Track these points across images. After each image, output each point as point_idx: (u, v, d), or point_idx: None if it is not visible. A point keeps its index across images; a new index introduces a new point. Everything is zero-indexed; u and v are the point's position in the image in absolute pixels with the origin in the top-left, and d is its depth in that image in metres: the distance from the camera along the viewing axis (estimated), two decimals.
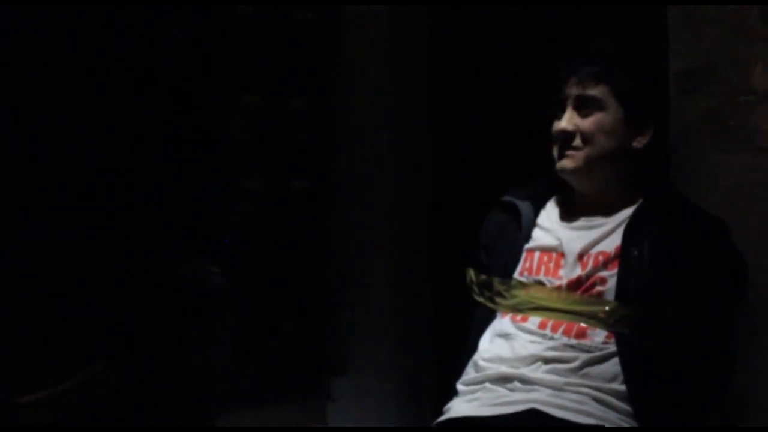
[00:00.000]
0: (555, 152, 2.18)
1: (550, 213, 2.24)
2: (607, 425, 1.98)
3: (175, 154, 3.10)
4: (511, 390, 2.05)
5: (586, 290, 2.09)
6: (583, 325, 2.06)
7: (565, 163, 2.15)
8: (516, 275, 2.19)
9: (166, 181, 2.87)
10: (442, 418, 2.11)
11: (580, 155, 2.14)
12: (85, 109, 2.87)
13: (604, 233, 2.13)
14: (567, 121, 2.15)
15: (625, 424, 1.99)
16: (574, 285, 2.10)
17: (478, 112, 3.08)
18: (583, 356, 2.04)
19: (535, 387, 2.03)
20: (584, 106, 2.14)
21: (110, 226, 2.48)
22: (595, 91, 2.14)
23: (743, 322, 2.15)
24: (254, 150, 3.28)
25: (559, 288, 2.11)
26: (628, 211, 2.14)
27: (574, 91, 2.15)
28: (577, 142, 2.14)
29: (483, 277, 2.24)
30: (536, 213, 2.25)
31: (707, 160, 2.39)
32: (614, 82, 2.14)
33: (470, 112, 3.11)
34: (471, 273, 2.28)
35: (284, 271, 3.31)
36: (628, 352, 2.02)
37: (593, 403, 2.00)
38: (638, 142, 2.16)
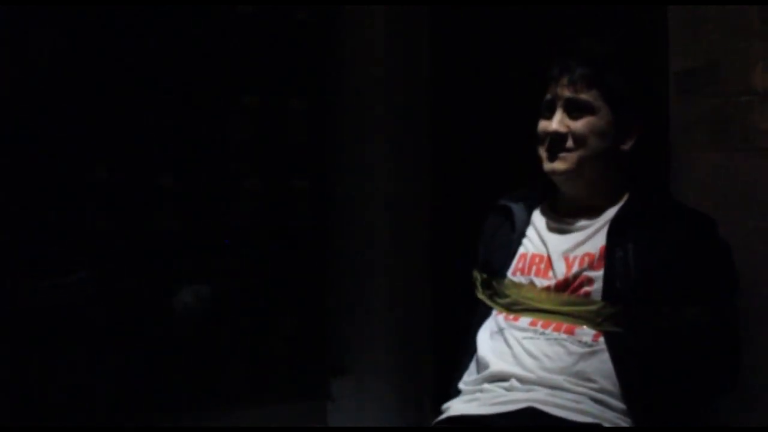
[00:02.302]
0: (543, 152, 2.18)
1: (541, 214, 2.26)
2: (605, 424, 1.98)
3: (174, 153, 3.11)
4: (509, 389, 2.06)
5: (574, 291, 2.10)
6: (571, 324, 2.07)
7: (557, 165, 2.15)
8: (509, 274, 2.21)
9: (166, 179, 2.88)
10: (441, 417, 2.12)
11: (571, 157, 2.14)
12: (83, 108, 2.87)
13: (588, 235, 2.15)
14: (558, 122, 2.15)
15: (622, 423, 2.00)
16: (562, 286, 2.11)
17: (478, 112, 3.07)
18: (576, 350, 2.04)
19: (533, 387, 2.03)
20: (575, 109, 2.14)
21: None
22: (587, 95, 2.14)
23: (742, 322, 2.15)
24: (254, 150, 3.28)
25: (548, 288, 2.13)
26: (612, 212, 2.15)
27: (565, 93, 2.15)
28: (570, 144, 2.14)
29: (484, 275, 2.26)
30: (529, 214, 2.26)
31: (707, 160, 2.38)
32: (607, 87, 2.14)
33: (470, 111, 3.11)
34: (476, 272, 2.30)
35: (284, 271, 3.31)
36: (618, 350, 2.03)
37: (590, 402, 2.01)
38: (626, 144, 2.17)
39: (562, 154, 2.14)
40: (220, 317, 3.23)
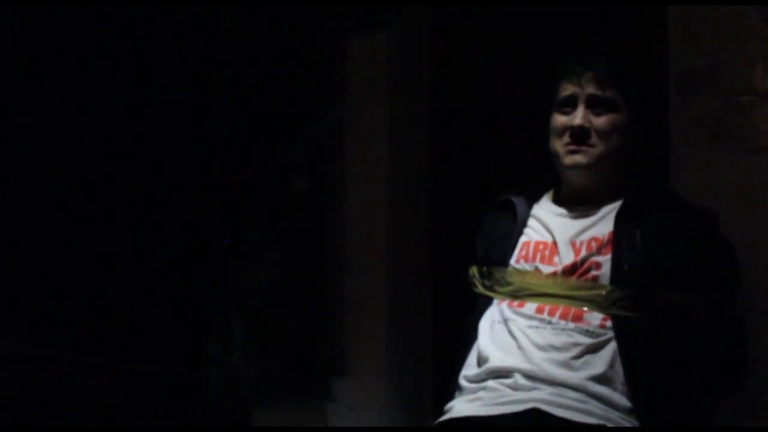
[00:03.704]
0: (560, 147, 2.19)
1: (543, 205, 2.28)
2: (609, 425, 1.98)
3: (175, 155, 3.11)
4: (513, 388, 2.06)
5: (581, 275, 2.12)
6: (579, 309, 2.08)
7: (579, 159, 2.17)
8: (512, 263, 2.22)
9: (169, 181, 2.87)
10: (444, 417, 2.11)
11: (593, 152, 2.17)
12: (83, 110, 2.88)
13: (594, 221, 2.18)
14: (581, 118, 2.17)
15: (626, 423, 2.00)
16: (569, 270, 2.13)
17: (478, 112, 3.08)
18: (583, 341, 2.05)
19: (537, 385, 2.03)
20: (598, 105, 2.17)
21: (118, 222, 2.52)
22: (611, 93, 2.17)
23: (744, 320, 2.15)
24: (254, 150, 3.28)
25: (554, 274, 2.14)
26: (616, 200, 2.18)
27: (589, 89, 2.17)
28: (593, 139, 2.16)
29: (484, 268, 2.27)
30: (530, 206, 2.28)
31: (707, 160, 2.39)
32: (628, 86, 2.18)
33: (470, 111, 3.11)
34: (474, 269, 2.31)
35: (284, 271, 3.31)
36: (625, 333, 2.04)
37: (595, 402, 2.01)
38: (638, 143, 2.19)
39: (584, 149, 2.16)
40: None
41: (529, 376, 2.05)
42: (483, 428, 2.02)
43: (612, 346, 2.04)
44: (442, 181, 3.22)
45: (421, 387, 3.21)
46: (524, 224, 2.26)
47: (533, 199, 2.30)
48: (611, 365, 2.03)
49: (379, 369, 3.22)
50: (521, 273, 2.18)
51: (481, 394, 2.09)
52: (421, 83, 3.28)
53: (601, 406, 2.01)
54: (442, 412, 2.13)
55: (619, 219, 2.13)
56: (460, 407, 2.10)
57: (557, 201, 2.27)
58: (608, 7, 2.70)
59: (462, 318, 2.31)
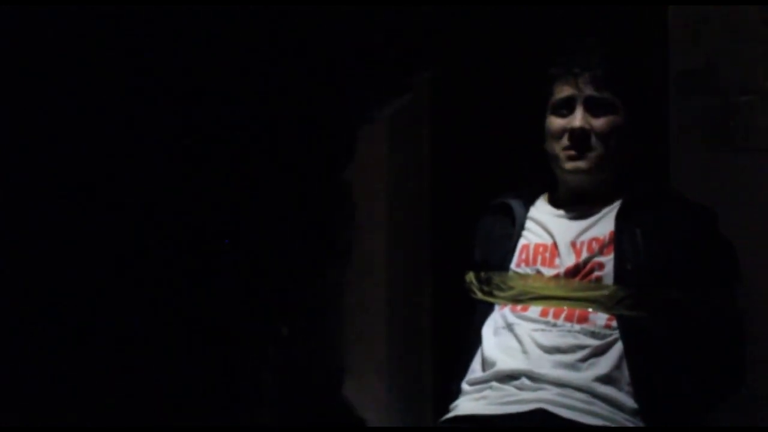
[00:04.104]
0: (559, 150, 2.18)
1: (539, 207, 2.28)
2: (614, 426, 1.98)
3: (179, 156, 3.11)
4: (519, 388, 2.06)
5: (584, 276, 2.11)
6: (584, 310, 2.07)
7: (581, 164, 2.16)
8: (513, 267, 2.21)
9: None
10: (448, 415, 2.11)
11: (594, 155, 2.16)
12: (83, 110, 2.88)
13: (593, 221, 2.17)
14: (581, 120, 2.15)
15: (631, 425, 2.00)
16: (572, 272, 2.12)
17: (479, 110, 3.08)
18: (589, 343, 2.05)
19: (543, 386, 2.03)
20: (597, 107, 2.15)
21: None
22: (609, 94, 2.15)
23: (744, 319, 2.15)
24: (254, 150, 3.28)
25: (557, 276, 2.13)
26: (615, 200, 2.17)
27: (587, 91, 2.15)
28: (593, 141, 2.15)
29: (482, 274, 2.26)
30: (527, 209, 2.27)
31: (707, 160, 2.39)
32: (626, 87, 2.16)
33: (471, 109, 3.11)
34: (470, 275, 2.30)
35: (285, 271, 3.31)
36: (630, 333, 2.04)
37: (601, 403, 2.01)
38: (637, 144, 2.19)
39: (585, 154, 2.15)
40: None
41: (535, 378, 2.05)
42: (488, 427, 2.02)
43: (618, 347, 2.04)
44: (443, 181, 3.22)
45: (421, 387, 3.21)
46: (523, 227, 2.25)
47: (529, 201, 2.29)
48: (617, 366, 2.03)
49: (379, 369, 3.22)
50: (523, 277, 2.18)
51: (486, 393, 2.09)
52: (421, 82, 3.27)
53: (606, 407, 2.00)
54: (446, 411, 2.13)
55: (620, 218, 2.12)
56: (465, 405, 2.10)
57: (553, 202, 2.26)
58: (608, 7, 2.70)
59: (462, 319, 2.31)
